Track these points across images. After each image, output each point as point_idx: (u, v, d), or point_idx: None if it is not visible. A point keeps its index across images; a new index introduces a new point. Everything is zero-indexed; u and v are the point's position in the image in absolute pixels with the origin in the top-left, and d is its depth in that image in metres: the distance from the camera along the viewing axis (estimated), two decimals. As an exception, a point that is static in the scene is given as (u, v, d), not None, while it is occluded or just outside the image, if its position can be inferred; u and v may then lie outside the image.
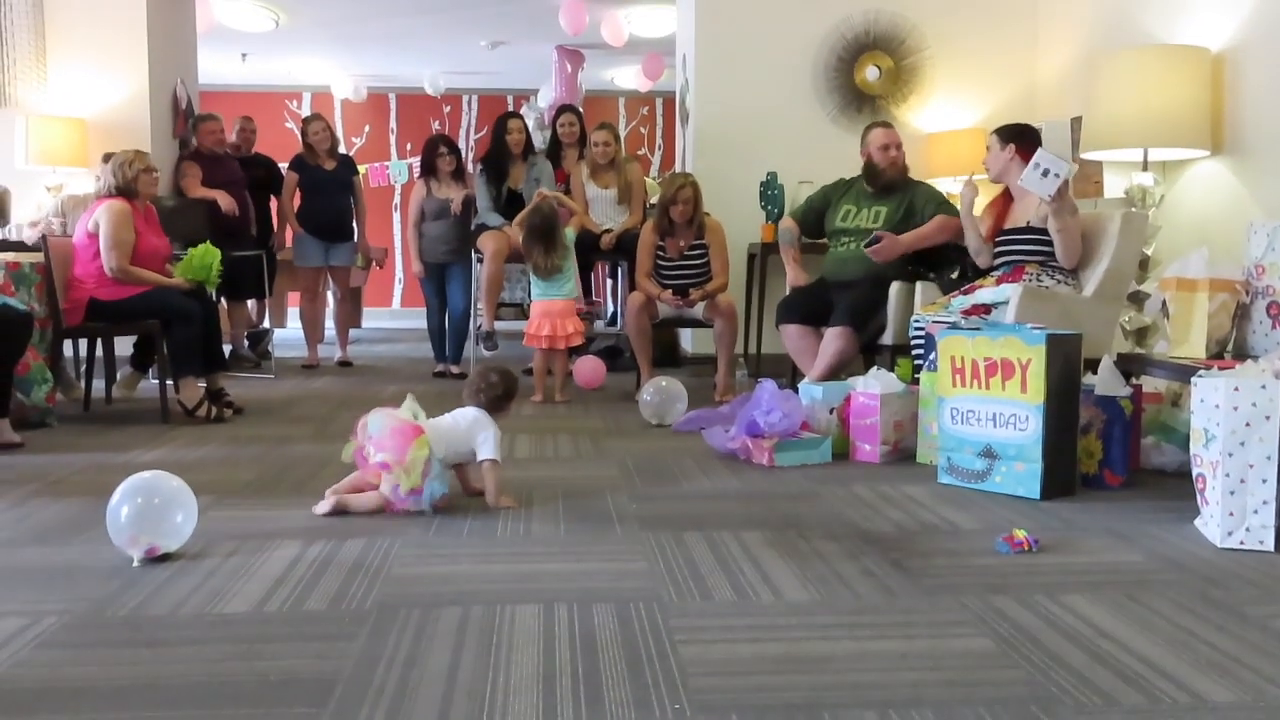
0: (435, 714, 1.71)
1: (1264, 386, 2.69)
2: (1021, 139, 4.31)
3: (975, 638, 2.06)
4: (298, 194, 6.77)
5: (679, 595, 2.31)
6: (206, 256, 4.81)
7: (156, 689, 1.80)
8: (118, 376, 5.39)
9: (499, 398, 3.13)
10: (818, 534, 2.81)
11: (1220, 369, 2.93)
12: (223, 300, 6.20)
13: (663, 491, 3.33)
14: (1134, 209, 4.55)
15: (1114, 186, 5.22)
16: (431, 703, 1.75)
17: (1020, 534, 2.66)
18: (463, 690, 1.80)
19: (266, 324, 7.56)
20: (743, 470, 3.64)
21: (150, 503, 2.54)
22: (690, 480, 3.50)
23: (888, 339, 4.68)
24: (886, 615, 2.19)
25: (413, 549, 2.66)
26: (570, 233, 5.40)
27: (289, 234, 6.95)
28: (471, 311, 6.18)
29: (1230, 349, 3.38)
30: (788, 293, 5.06)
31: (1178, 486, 3.30)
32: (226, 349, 5.90)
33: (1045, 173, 3.92)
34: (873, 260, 4.69)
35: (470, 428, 3.07)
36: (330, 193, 6.71)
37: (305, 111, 12.06)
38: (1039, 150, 4.01)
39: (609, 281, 7.87)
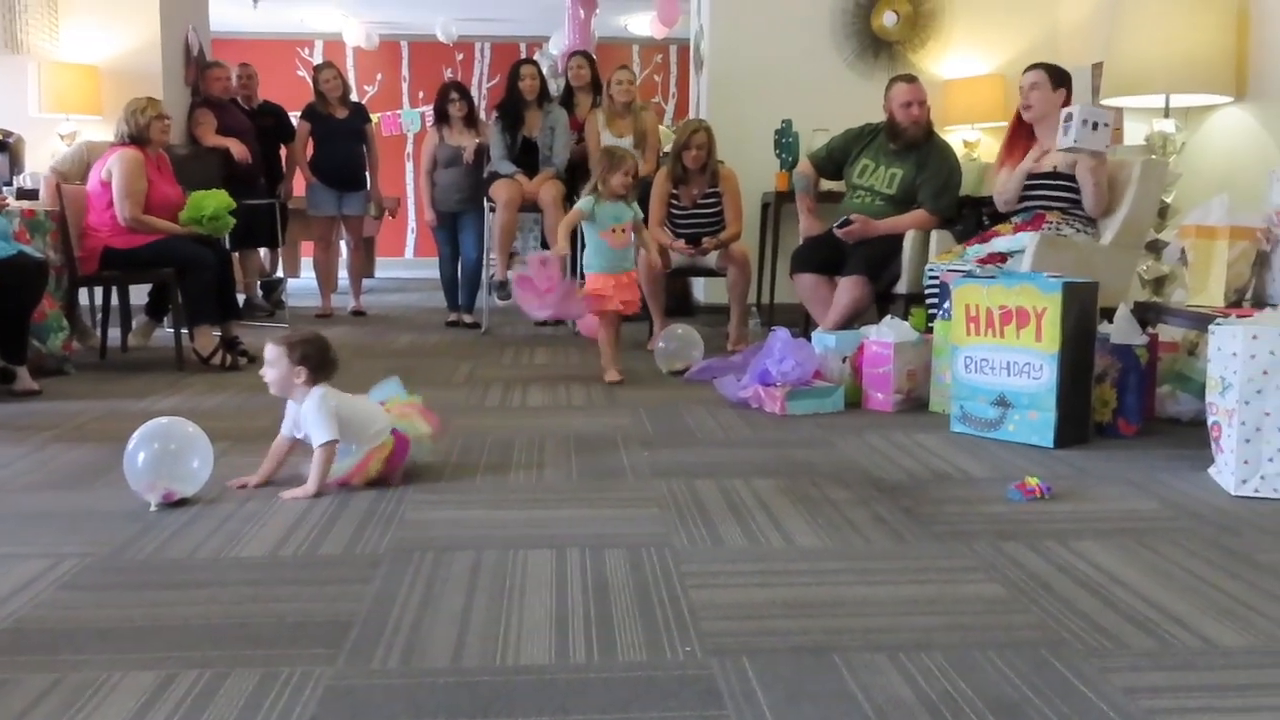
0: (449, 655, 1.73)
1: (1282, 334, 2.67)
2: (1069, 85, 4.20)
3: (986, 583, 2.07)
4: (310, 143, 6.74)
5: (690, 541, 2.32)
6: (207, 202, 4.79)
7: (174, 630, 1.83)
8: (133, 325, 5.41)
9: (320, 360, 2.75)
10: (829, 481, 2.82)
11: (1238, 317, 2.90)
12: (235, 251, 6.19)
13: (675, 439, 3.34)
14: (1154, 156, 4.49)
15: (1134, 134, 5.14)
16: (446, 644, 1.77)
17: (1033, 481, 2.66)
18: (476, 632, 1.82)
19: (280, 273, 7.56)
20: (755, 419, 3.65)
21: (166, 448, 2.56)
22: (702, 429, 3.50)
23: (902, 288, 4.65)
24: (897, 561, 2.20)
25: (426, 495, 2.68)
26: (594, 202, 4.37)
27: (299, 182, 6.92)
28: (484, 261, 6.16)
29: (1249, 297, 3.35)
30: (801, 242, 5.03)
31: (1192, 435, 3.29)
32: (240, 298, 5.92)
33: (1095, 126, 3.83)
34: (873, 220, 4.66)
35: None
36: (342, 141, 6.68)
37: (317, 60, 11.97)
38: (1079, 105, 3.91)
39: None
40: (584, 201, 4.37)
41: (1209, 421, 2.86)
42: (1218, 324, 2.84)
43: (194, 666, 1.67)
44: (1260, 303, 3.28)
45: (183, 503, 2.57)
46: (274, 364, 2.73)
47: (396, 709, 1.54)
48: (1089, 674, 1.67)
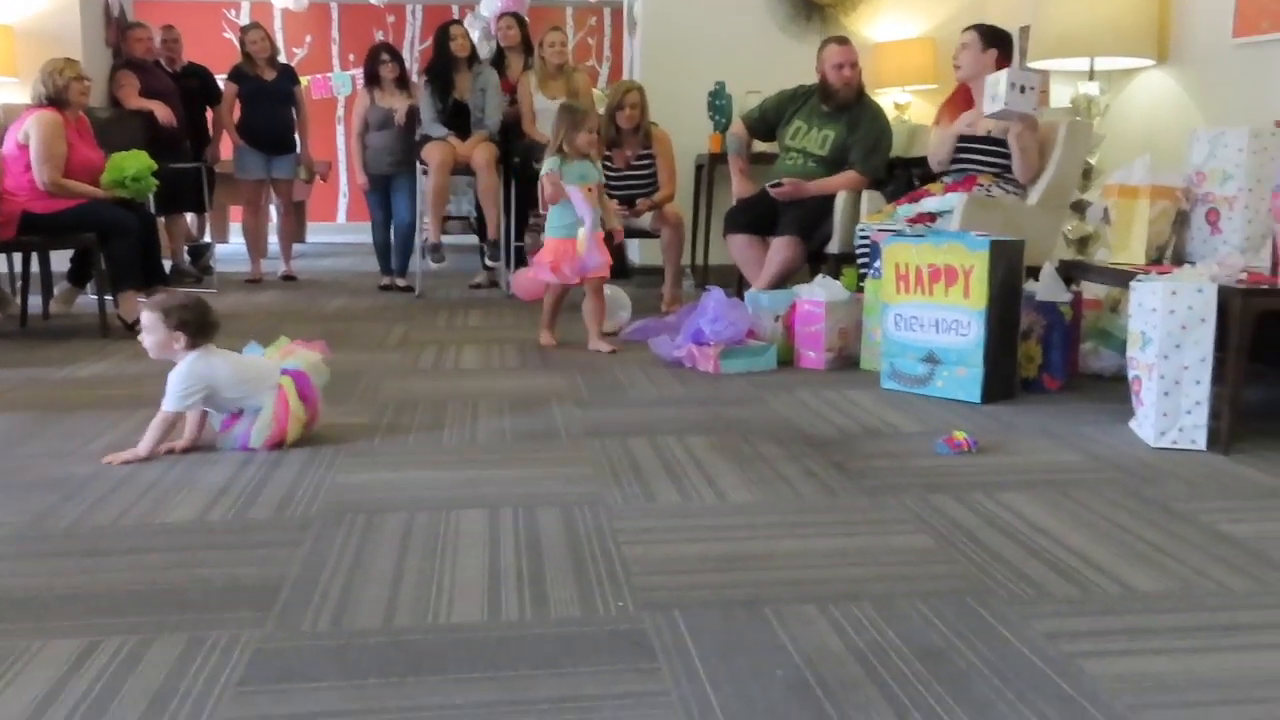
0: (381, 616, 1.72)
1: (1200, 290, 2.74)
2: (1003, 46, 4.24)
3: (914, 535, 2.11)
4: (237, 105, 6.58)
5: (624, 498, 2.33)
6: (128, 163, 4.66)
7: (97, 597, 1.79)
8: (55, 292, 5.27)
9: (200, 324, 2.71)
10: (761, 438, 2.84)
11: (1159, 274, 2.97)
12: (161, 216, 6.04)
13: (609, 399, 3.34)
14: (1079, 118, 4.56)
15: (1060, 96, 5.22)
16: (377, 605, 1.76)
17: (960, 435, 2.71)
18: (408, 592, 1.81)
19: (207, 238, 7.40)
20: (688, 378, 3.66)
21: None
22: (636, 388, 3.51)
23: (833, 247, 4.68)
24: (828, 515, 2.23)
25: (357, 457, 2.65)
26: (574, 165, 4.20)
27: (226, 146, 6.76)
28: (417, 224, 6.09)
29: (1169, 255, 3.43)
30: (734, 203, 5.04)
31: (1114, 390, 3.37)
32: (167, 264, 5.78)
33: (1023, 89, 3.86)
34: (804, 181, 4.68)
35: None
36: (270, 103, 6.53)
37: (244, 21, 11.66)
38: (1007, 70, 3.94)
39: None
40: (549, 163, 4.19)
41: (1130, 376, 2.93)
42: (1139, 281, 2.91)
43: (118, 633, 1.64)
44: (1180, 260, 3.35)
45: (107, 470, 2.52)
46: (151, 330, 2.68)
47: (327, 670, 1.53)
48: (1013, 620, 1.71)
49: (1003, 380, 3.32)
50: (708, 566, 1.94)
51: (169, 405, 2.66)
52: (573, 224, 4.17)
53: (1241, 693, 1.49)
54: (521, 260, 5.63)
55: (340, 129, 12.17)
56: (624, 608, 1.75)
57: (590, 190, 4.18)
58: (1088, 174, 4.59)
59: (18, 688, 1.48)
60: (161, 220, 6.04)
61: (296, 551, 2.00)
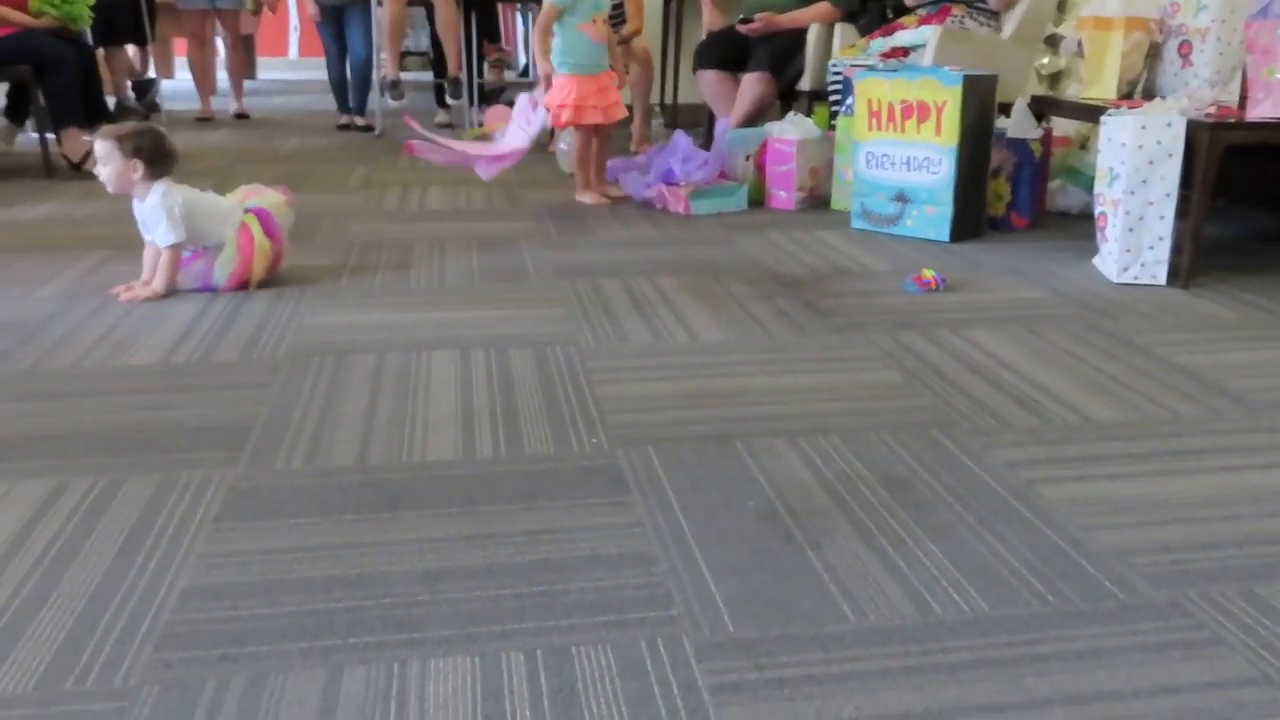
0: (354, 454, 1.72)
1: (1169, 124, 2.71)
2: None
3: (882, 370, 2.13)
4: (174, -72, 6.23)
5: (595, 338, 2.33)
6: None
7: (63, 439, 1.78)
8: (-7, 129, 5.07)
9: (156, 152, 2.61)
10: (732, 278, 2.83)
11: (1129, 109, 2.94)
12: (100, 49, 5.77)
13: (578, 241, 3.30)
14: (1056, -54, 4.42)
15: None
16: (350, 443, 1.76)
17: (928, 274, 2.72)
18: (381, 431, 1.81)
19: (152, 73, 7.11)
20: (659, 219, 3.62)
21: None
22: (606, 229, 3.47)
23: (805, 84, 4.58)
24: (798, 352, 2.25)
25: (324, 299, 2.62)
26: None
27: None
28: (374, 59, 5.87)
29: (1140, 89, 3.38)
30: (705, 37, 4.89)
31: (1080, 228, 3.37)
32: (110, 100, 5.57)
33: None
34: (776, 15, 4.53)
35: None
36: (210, -74, 6.19)
37: None
38: None
39: (521, 27, 7.52)
40: None
41: (1096, 212, 2.93)
42: (1109, 115, 2.88)
43: (87, 474, 1.64)
44: (1150, 94, 3.31)
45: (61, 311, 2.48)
46: (107, 160, 2.58)
47: (302, 507, 1.54)
48: (975, 450, 1.75)
49: (971, 218, 3.32)
50: (680, 403, 1.95)
51: (170, 239, 2.60)
52: (586, 62, 3.77)
53: (1187, 513, 1.54)
54: (485, 98, 5.47)
55: (287, -43, 11.59)
56: (598, 444, 1.77)
57: (602, 21, 3.80)
58: (1062, 6, 4.48)
59: (-8, 528, 1.48)
60: (101, 53, 5.79)
61: (265, 393, 1.99)
